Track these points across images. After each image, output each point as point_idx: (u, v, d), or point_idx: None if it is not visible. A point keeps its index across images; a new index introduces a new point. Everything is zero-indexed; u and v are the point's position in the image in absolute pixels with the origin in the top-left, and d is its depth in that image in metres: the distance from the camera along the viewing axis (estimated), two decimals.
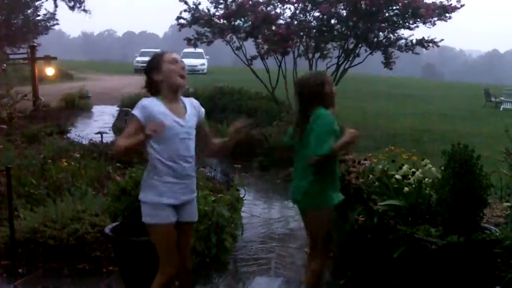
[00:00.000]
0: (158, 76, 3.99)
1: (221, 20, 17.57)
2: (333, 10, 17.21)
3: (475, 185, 4.63)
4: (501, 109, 27.00)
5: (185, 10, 17.71)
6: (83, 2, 33.23)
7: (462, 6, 17.06)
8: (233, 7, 17.40)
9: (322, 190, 4.39)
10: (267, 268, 6.22)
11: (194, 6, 17.61)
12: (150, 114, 3.85)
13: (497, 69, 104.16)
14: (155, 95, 4.01)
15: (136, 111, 3.89)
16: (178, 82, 4.00)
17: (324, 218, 4.45)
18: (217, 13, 17.77)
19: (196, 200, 4.23)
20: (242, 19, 17.49)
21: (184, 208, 4.05)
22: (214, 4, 17.77)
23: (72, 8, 33.32)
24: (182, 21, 17.83)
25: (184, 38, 18.56)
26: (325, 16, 17.26)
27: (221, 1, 17.72)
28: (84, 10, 34.50)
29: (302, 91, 4.52)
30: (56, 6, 33.18)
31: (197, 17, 17.49)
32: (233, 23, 17.63)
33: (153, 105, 3.91)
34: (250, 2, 17.36)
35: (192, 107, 4.11)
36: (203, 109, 4.23)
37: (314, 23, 17.60)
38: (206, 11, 17.76)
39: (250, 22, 17.24)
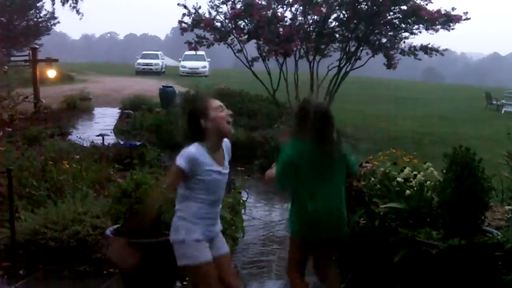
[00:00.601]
0: (206, 123, 3.96)
1: (227, 21, 17.57)
2: (333, 12, 17.20)
3: (476, 188, 4.62)
4: (502, 111, 27.02)
5: (185, 14, 17.71)
6: (77, 2, 33.30)
7: (467, 19, 17.00)
8: (241, 6, 17.37)
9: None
10: (268, 271, 6.22)
11: (194, 10, 17.62)
12: (196, 167, 3.88)
13: (498, 72, 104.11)
14: (198, 140, 3.99)
15: (182, 163, 3.87)
16: (226, 129, 4.00)
17: None
18: (217, 17, 17.79)
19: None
20: (247, 20, 17.47)
21: (215, 242, 4.10)
22: (214, 8, 17.79)
23: (63, 3, 33.42)
24: (184, 25, 17.84)
25: (185, 42, 18.58)
26: (322, 18, 17.22)
27: (222, 4, 17.72)
28: (77, 11, 34.59)
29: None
30: (53, 3, 33.18)
31: (198, 21, 17.49)
32: (239, 23, 17.63)
33: (199, 155, 3.89)
34: (259, 2, 17.38)
35: (227, 150, 4.16)
36: (230, 147, 4.26)
37: (313, 25, 17.58)
38: (207, 15, 17.77)
39: (254, 23, 17.22)
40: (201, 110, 4.00)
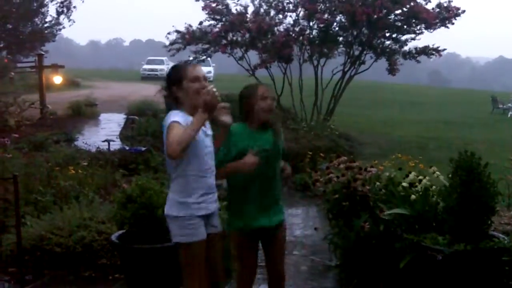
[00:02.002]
0: (178, 92, 3.89)
1: (217, 37, 17.66)
2: (334, 18, 17.22)
3: (482, 193, 4.60)
4: (508, 115, 26.96)
5: (178, 40, 17.91)
6: (70, 10, 33.53)
7: (462, 12, 17.03)
8: (226, 23, 17.51)
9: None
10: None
11: (186, 31, 17.74)
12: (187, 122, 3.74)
13: (504, 76, 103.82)
14: (175, 107, 3.90)
15: (176, 118, 3.73)
16: (197, 101, 3.79)
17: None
18: (214, 29, 17.87)
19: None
20: (239, 33, 17.56)
21: (211, 219, 3.99)
22: (211, 21, 17.91)
23: (59, 14, 33.70)
24: (176, 45, 18.06)
25: (179, 62, 18.73)
26: (327, 25, 17.25)
27: (216, 18, 17.82)
28: (68, 18, 34.87)
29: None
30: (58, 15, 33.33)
31: (189, 39, 17.65)
32: (230, 38, 17.72)
33: (181, 119, 3.76)
34: (241, 16, 17.44)
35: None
36: None
37: (317, 30, 17.60)
38: (198, 28, 17.88)
39: (247, 35, 17.32)
40: (176, 78, 3.91)
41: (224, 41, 17.64)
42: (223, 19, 17.60)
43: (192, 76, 3.88)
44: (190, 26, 17.81)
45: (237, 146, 4.08)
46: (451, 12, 16.96)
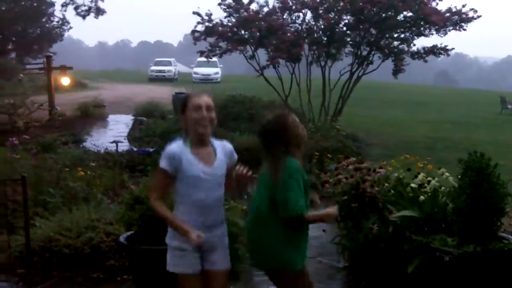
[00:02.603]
0: (182, 120, 3.89)
1: (229, 33, 17.64)
2: (337, 18, 17.20)
3: (492, 194, 4.58)
4: None
5: (199, 22, 17.79)
6: (100, 10, 33.33)
7: (478, 17, 16.94)
8: (239, 19, 17.49)
9: None
10: None
11: (207, 18, 17.69)
12: (176, 162, 3.73)
13: None
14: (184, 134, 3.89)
15: (163, 163, 3.75)
16: (196, 131, 3.81)
17: None
18: (227, 24, 17.87)
19: (227, 248, 4.04)
20: (248, 31, 17.56)
21: (211, 255, 3.88)
22: (226, 15, 17.87)
23: (84, 17, 33.44)
24: (196, 34, 17.94)
25: (197, 52, 18.67)
26: (334, 25, 17.23)
27: (231, 13, 17.81)
28: (98, 13, 34.46)
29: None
30: (81, 16, 33.19)
31: (211, 29, 17.57)
32: (241, 34, 17.71)
33: (180, 151, 3.77)
34: (256, 14, 17.44)
35: (223, 152, 3.94)
36: (235, 156, 4.04)
37: (323, 30, 17.58)
38: (219, 22, 17.84)
39: (257, 34, 17.31)
40: (182, 107, 3.90)
41: (236, 37, 17.62)
42: (236, 15, 17.58)
43: (194, 105, 3.82)
44: (211, 14, 17.78)
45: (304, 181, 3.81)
46: (464, 16, 16.87)
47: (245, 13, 17.45)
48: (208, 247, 3.83)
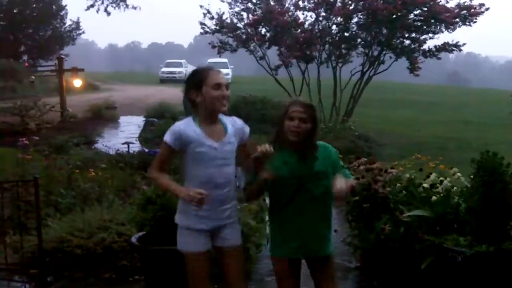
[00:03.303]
0: (197, 97, 3.77)
1: (248, 29, 17.66)
2: (350, 14, 17.18)
3: (505, 194, 4.55)
4: None
5: (210, 18, 17.85)
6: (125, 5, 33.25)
7: (486, 9, 16.87)
8: (260, 13, 17.48)
9: None
10: None
11: (217, 16, 17.73)
12: (183, 139, 3.69)
13: None
14: (193, 110, 3.83)
15: (167, 137, 3.71)
16: (216, 108, 3.76)
17: None
18: (239, 24, 17.89)
19: (238, 224, 4.02)
20: (267, 27, 17.57)
21: (221, 232, 3.86)
22: (236, 16, 17.91)
23: (109, 14, 33.42)
24: (206, 28, 17.99)
25: (209, 42, 18.69)
26: (343, 20, 17.19)
27: (244, 11, 17.83)
28: (134, 8, 34.27)
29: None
30: (108, 14, 33.09)
31: (221, 26, 17.61)
32: (259, 29, 17.71)
33: (188, 129, 3.72)
34: (279, 9, 17.46)
35: (234, 129, 3.88)
36: (247, 129, 3.99)
37: (336, 30, 17.58)
38: (229, 21, 17.88)
39: (273, 30, 17.32)
40: (195, 81, 3.79)
41: (248, 33, 17.64)
42: (257, 10, 17.60)
43: (214, 83, 3.75)
44: (223, 13, 17.84)
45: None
46: (473, 10, 16.82)
47: (267, 6, 17.46)
48: (217, 224, 3.83)
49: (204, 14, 17.86)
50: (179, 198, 3.71)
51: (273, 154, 3.66)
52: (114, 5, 32.70)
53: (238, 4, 18.03)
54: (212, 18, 17.77)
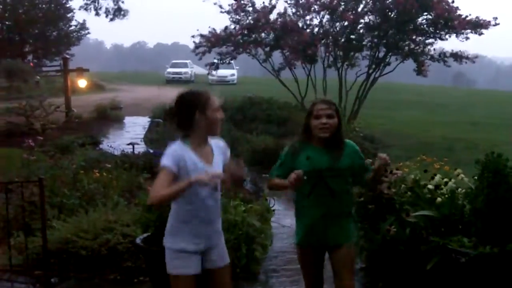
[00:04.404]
0: (200, 119, 3.75)
1: (239, 36, 17.68)
2: (362, 18, 17.15)
3: (509, 195, 4.54)
4: None
5: (200, 45, 17.97)
6: (122, 10, 33.34)
7: (497, 24, 16.82)
8: (250, 21, 17.52)
9: None
10: (297, 279, 6.17)
11: (210, 35, 17.79)
12: (181, 164, 3.68)
13: None
14: (184, 133, 3.82)
15: (167, 162, 3.69)
16: (216, 132, 3.83)
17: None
18: (237, 29, 17.92)
19: (223, 241, 4.02)
20: (265, 33, 17.58)
21: (209, 253, 3.87)
22: (233, 23, 17.95)
23: (111, 19, 33.46)
24: (201, 49, 18.10)
25: (205, 65, 18.86)
26: (353, 25, 17.18)
27: (237, 20, 17.87)
28: (124, 16, 34.46)
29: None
30: (98, 15, 33.22)
31: (214, 42, 17.68)
32: (253, 36, 17.73)
33: (183, 153, 3.73)
34: (265, 17, 17.46)
35: (219, 151, 3.92)
36: (228, 151, 4.03)
37: (341, 32, 17.55)
38: (223, 31, 17.91)
39: (272, 35, 17.34)
40: (200, 103, 3.77)
41: (247, 38, 17.65)
42: (248, 17, 17.61)
43: (216, 106, 3.82)
44: (214, 29, 17.89)
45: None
46: (482, 22, 16.78)
47: (256, 14, 17.46)
48: (209, 244, 3.85)
49: (197, 45, 18.06)
50: (191, 185, 3.61)
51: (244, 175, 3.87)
52: (103, 9, 32.88)
53: (234, 14, 18.04)
54: (207, 41, 17.86)
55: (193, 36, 18.40)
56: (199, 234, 3.79)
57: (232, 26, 18.00)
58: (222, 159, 3.93)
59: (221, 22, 18.71)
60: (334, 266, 4.15)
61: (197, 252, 3.81)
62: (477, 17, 16.73)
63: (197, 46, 18.31)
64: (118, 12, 33.20)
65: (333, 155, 4.03)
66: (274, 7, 17.75)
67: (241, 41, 17.70)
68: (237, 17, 17.87)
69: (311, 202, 4.05)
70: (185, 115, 3.79)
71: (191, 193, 3.71)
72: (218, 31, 17.95)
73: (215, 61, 18.39)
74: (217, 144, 3.95)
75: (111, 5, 32.53)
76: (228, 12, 17.97)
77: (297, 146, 4.12)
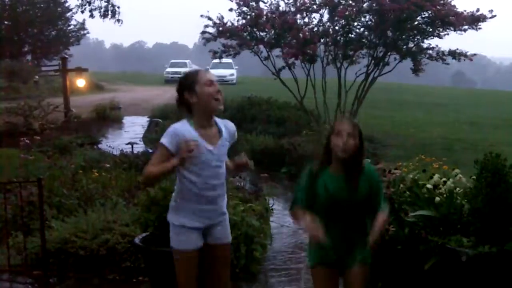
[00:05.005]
0: (191, 98, 3.78)
1: (242, 32, 17.61)
2: (359, 16, 17.12)
3: (508, 195, 4.55)
4: None
5: (209, 26, 17.82)
6: (115, 12, 33.31)
7: (493, 16, 16.82)
8: (252, 17, 17.45)
9: None
10: (296, 279, 6.18)
11: (218, 21, 17.70)
12: (180, 141, 3.69)
13: None
14: (187, 115, 3.85)
15: (164, 139, 3.73)
16: (212, 106, 3.77)
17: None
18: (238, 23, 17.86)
19: (228, 220, 4.07)
20: (266, 30, 17.53)
21: (212, 230, 3.93)
22: (238, 16, 17.87)
23: (103, 16, 33.40)
24: (207, 35, 17.95)
25: (209, 51, 18.68)
26: (351, 23, 17.15)
27: (242, 12, 17.79)
28: (118, 21, 34.53)
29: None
30: (92, 16, 33.21)
31: (222, 31, 17.57)
32: (255, 34, 17.68)
33: (184, 130, 3.74)
34: (268, 14, 17.41)
35: (227, 132, 3.92)
36: (236, 136, 4.07)
37: (340, 30, 17.52)
38: (230, 24, 17.83)
39: (272, 32, 17.29)
40: (187, 83, 3.81)
41: (248, 37, 17.60)
42: (251, 13, 17.54)
43: (206, 79, 3.79)
44: (222, 17, 17.79)
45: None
46: (480, 14, 16.76)
47: (258, 10, 17.39)
48: (211, 222, 3.89)
49: (206, 26, 17.85)
50: (181, 162, 3.67)
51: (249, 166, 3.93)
52: (100, 12, 32.82)
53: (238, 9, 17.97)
54: (214, 25, 17.73)
55: (201, 16, 18.03)
56: (200, 212, 3.82)
57: (238, 21, 17.92)
58: (229, 141, 3.95)
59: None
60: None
61: (199, 228, 3.85)
62: (472, 12, 16.70)
63: (204, 31, 18.03)
64: (111, 13, 33.23)
65: (351, 184, 3.76)
66: (278, 6, 17.71)
67: (248, 37, 17.63)
68: (244, 8, 17.76)
69: (327, 225, 3.79)
70: (178, 97, 3.86)
71: (192, 172, 3.74)
72: (226, 20, 17.85)
73: (219, 50, 18.23)
74: (226, 126, 3.95)
75: (103, 4, 32.49)
76: (234, 10, 17.88)
77: (315, 170, 3.84)
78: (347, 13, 16.70)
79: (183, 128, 3.77)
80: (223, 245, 3.98)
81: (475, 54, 17.52)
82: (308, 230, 3.72)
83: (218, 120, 3.92)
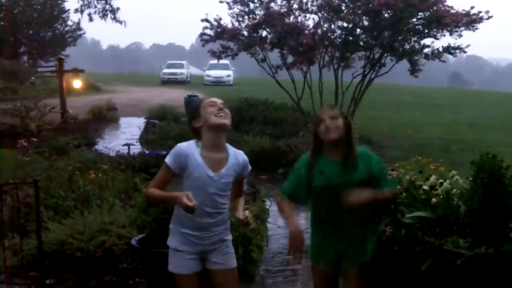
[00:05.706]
0: (198, 123, 3.82)
1: (249, 31, 17.59)
2: (357, 20, 17.12)
3: (504, 196, 4.55)
4: None
5: (207, 28, 17.81)
6: (115, 13, 33.32)
7: (490, 17, 16.82)
8: (261, 17, 17.43)
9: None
10: (293, 280, 6.19)
11: (216, 23, 17.70)
12: (182, 162, 3.70)
13: None
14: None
15: (168, 158, 3.75)
16: (213, 121, 3.75)
17: None
18: (241, 25, 17.83)
19: (229, 246, 3.97)
20: (268, 30, 17.53)
21: (209, 255, 3.85)
22: (236, 18, 17.86)
23: (103, 16, 33.39)
24: (205, 37, 17.95)
25: (208, 51, 18.66)
26: (349, 25, 17.17)
27: (244, 13, 17.77)
28: (119, 22, 34.49)
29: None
30: (91, 20, 33.22)
31: (221, 32, 17.56)
32: (260, 33, 17.66)
33: (189, 151, 3.74)
34: (280, 10, 17.42)
35: (236, 162, 3.86)
36: (248, 169, 4.00)
37: (338, 33, 17.54)
38: (230, 25, 17.83)
39: (276, 33, 17.27)
40: (194, 111, 3.89)
41: (252, 35, 17.58)
42: (255, 14, 17.53)
43: (208, 101, 3.85)
44: (220, 18, 17.78)
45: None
46: (475, 17, 16.74)
47: (267, 10, 17.39)
48: (205, 248, 3.82)
49: (205, 28, 17.84)
50: (177, 203, 3.66)
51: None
52: (100, 14, 32.82)
53: (238, 6, 17.95)
54: (212, 27, 17.72)
55: (202, 21, 18.04)
56: (191, 237, 3.78)
57: (236, 23, 17.92)
58: (237, 171, 3.87)
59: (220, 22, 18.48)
60: (348, 285, 4.11)
61: (191, 252, 3.81)
62: (468, 11, 16.68)
63: (202, 33, 18.03)
64: (110, 13, 33.23)
65: (347, 167, 3.83)
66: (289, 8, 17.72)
67: (246, 40, 17.60)
68: (245, 8, 17.74)
69: (328, 219, 3.91)
70: (190, 126, 3.90)
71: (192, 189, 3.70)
72: (223, 23, 17.84)
73: (217, 50, 18.21)
74: (237, 156, 3.90)
75: (101, 6, 32.51)
76: (228, 4, 17.88)
77: (311, 159, 3.91)
78: (350, 17, 16.71)
79: (188, 149, 3.77)
80: (222, 271, 3.88)
81: (469, 45, 17.45)
82: (288, 228, 3.89)
83: (231, 148, 3.90)
